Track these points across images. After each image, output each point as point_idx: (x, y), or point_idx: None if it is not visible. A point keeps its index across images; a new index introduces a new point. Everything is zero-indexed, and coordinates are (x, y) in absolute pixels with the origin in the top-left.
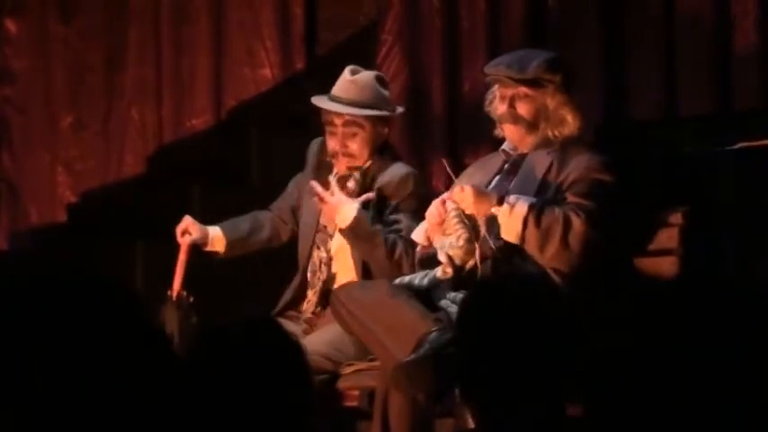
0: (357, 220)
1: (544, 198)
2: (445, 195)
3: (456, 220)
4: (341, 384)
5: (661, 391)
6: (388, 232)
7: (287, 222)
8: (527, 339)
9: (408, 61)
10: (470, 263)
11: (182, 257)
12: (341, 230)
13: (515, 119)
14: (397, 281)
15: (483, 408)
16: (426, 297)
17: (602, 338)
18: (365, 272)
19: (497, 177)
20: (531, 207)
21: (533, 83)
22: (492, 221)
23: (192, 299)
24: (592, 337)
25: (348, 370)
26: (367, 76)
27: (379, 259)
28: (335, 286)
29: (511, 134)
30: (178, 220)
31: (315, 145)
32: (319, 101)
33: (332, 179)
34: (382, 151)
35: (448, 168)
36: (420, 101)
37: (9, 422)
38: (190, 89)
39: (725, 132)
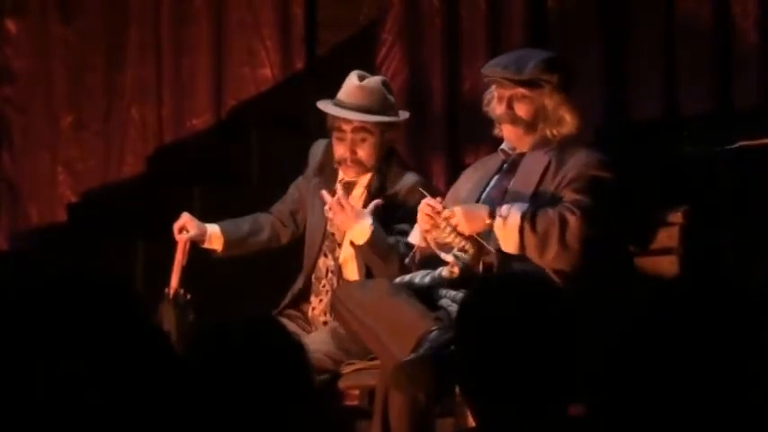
0: (374, 236)
1: (536, 202)
2: (429, 201)
3: (453, 234)
4: (341, 383)
5: (661, 391)
6: (396, 242)
7: (286, 225)
8: (527, 338)
9: (408, 61)
10: (477, 267)
11: (179, 255)
12: (355, 246)
13: (514, 120)
14: (398, 279)
15: (483, 407)
16: (427, 296)
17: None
18: (368, 277)
19: (496, 177)
20: (523, 215)
21: (531, 83)
22: (485, 234)
23: (189, 296)
24: (592, 336)
25: (348, 369)
26: (375, 81)
27: (391, 274)
28: None
29: (509, 134)
30: (178, 219)
31: (317, 147)
32: (327, 106)
33: (338, 187)
34: (388, 158)
35: (424, 192)
36: (420, 101)
37: (10, 421)
38: (190, 89)
39: (725, 132)
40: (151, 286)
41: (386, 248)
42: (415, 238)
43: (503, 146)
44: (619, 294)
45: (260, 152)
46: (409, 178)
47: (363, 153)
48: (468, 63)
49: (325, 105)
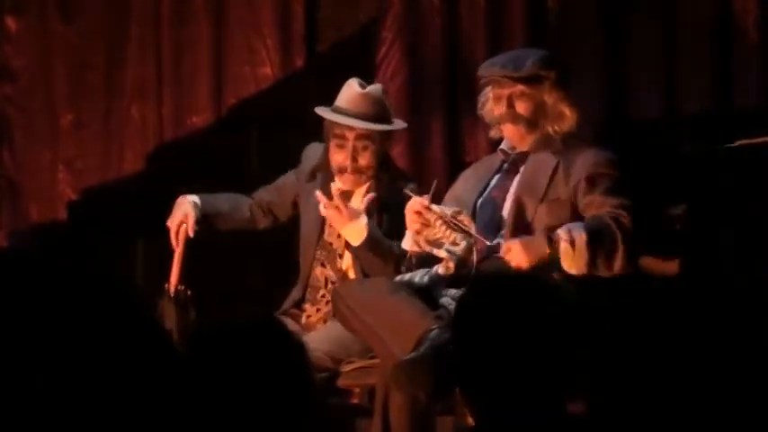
0: (370, 236)
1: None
2: (416, 199)
3: (444, 227)
4: (341, 382)
5: (662, 389)
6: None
7: (265, 214)
8: (525, 336)
9: (408, 60)
10: (471, 259)
11: (178, 251)
12: (352, 248)
13: (515, 118)
14: (398, 278)
15: (482, 406)
16: (427, 295)
17: (603, 336)
18: None
19: (497, 177)
20: (589, 233)
21: (530, 80)
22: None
23: (189, 293)
24: (593, 334)
25: (348, 367)
26: (376, 89)
27: (389, 274)
28: None
29: (511, 134)
30: (174, 211)
31: (311, 151)
32: (328, 113)
33: (334, 191)
34: (383, 165)
35: (410, 193)
36: (420, 100)
37: (9, 420)
38: (190, 87)
39: (725, 131)
40: (151, 284)
41: (383, 248)
42: (407, 243)
43: (502, 145)
44: (620, 294)
45: (260, 150)
46: (402, 179)
47: (364, 161)
48: (468, 62)
49: (325, 112)
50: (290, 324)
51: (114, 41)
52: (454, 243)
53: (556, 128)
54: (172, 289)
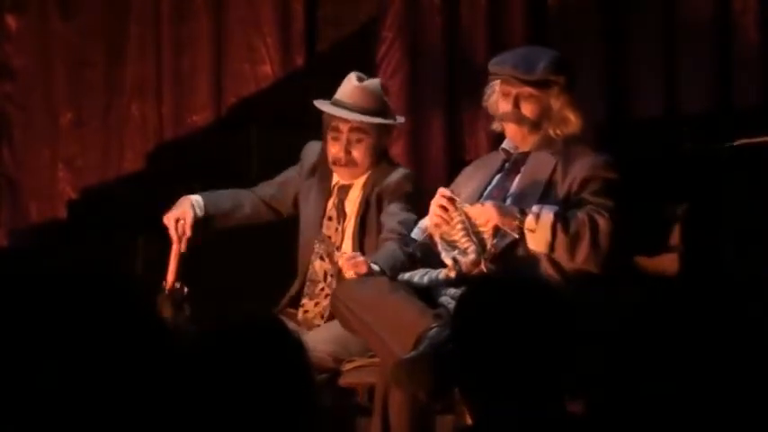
0: (389, 271)
1: (553, 201)
2: (445, 192)
3: (463, 233)
4: (341, 381)
5: (661, 389)
6: (389, 230)
7: (268, 209)
8: (524, 336)
9: (408, 59)
10: (475, 272)
11: (175, 248)
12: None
13: (519, 119)
14: (397, 278)
15: (482, 404)
16: (426, 294)
17: (603, 336)
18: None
19: (498, 176)
20: (557, 214)
21: (540, 83)
22: (497, 232)
23: (186, 290)
24: (592, 334)
25: (348, 366)
26: (374, 83)
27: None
28: None
29: (513, 134)
30: (172, 209)
31: (310, 149)
32: (325, 106)
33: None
34: (380, 161)
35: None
36: (420, 98)
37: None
38: (190, 86)
39: (725, 130)
40: (151, 282)
41: (397, 268)
42: (417, 234)
43: (504, 145)
44: (619, 292)
45: (260, 149)
46: (398, 171)
47: (358, 153)
48: (469, 60)
49: (322, 105)
50: (289, 324)
51: (114, 39)
52: (465, 252)
53: (558, 131)
54: (168, 286)
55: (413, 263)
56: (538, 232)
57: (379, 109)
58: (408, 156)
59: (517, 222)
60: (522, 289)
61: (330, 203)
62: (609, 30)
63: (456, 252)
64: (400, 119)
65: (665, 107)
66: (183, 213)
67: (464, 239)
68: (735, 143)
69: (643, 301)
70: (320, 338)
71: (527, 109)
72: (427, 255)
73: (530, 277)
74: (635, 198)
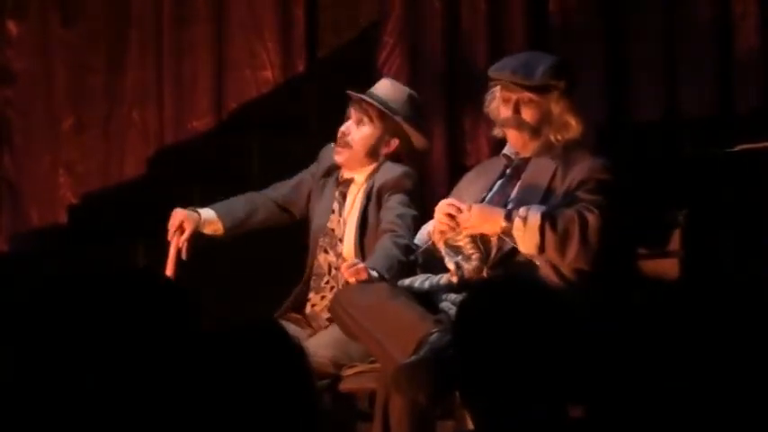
0: (388, 274)
1: (552, 204)
2: (453, 201)
3: (469, 239)
4: (342, 386)
5: (662, 392)
6: (387, 223)
7: (281, 211)
8: (525, 341)
9: (409, 64)
10: (476, 278)
11: (173, 252)
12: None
13: (519, 124)
14: (398, 283)
15: (482, 409)
16: (426, 299)
17: (604, 340)
18: None
19: (499, 182)
20: (543, 215)
21: (539, 89)
22: (503, 240)
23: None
24: (593, 338)
25: (349, 372)
26: (405, 88)
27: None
28: None
29: (514, 139)
30: (172, 217)
31: (327, 151)
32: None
33: (337, 194)
34: (380, 158)
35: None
36: (421, 103)
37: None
38: (191, 91)
39: (725, 134)
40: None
41: (396, 269)
42: (420, 239)
43: (505, 150)
44: (620, 296)
45: (260, 154)
46: (400, 168)
47: (355, 136)
48: (470, 65)
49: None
50: (291, 329)
51: (115, 45)
52: (468, 258)
53: (558, 136)
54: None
55: (413, 266)
56: (526, 235)
57: (398, 108)
58: (409, 160)
59: (502, 228)
60: (523, 294)
61: (335, 196)
62: (609, 32)
63: (460, 257)
64: (420, 138)
65: (665, 110)
66: (181, 220)
67: (469, 246)
68: (735, 147)
69: (643, 306)
70: (321, 344)
71: (527, 114)
72: (429, 261)
73: (530, 282)
74: (635, 202)
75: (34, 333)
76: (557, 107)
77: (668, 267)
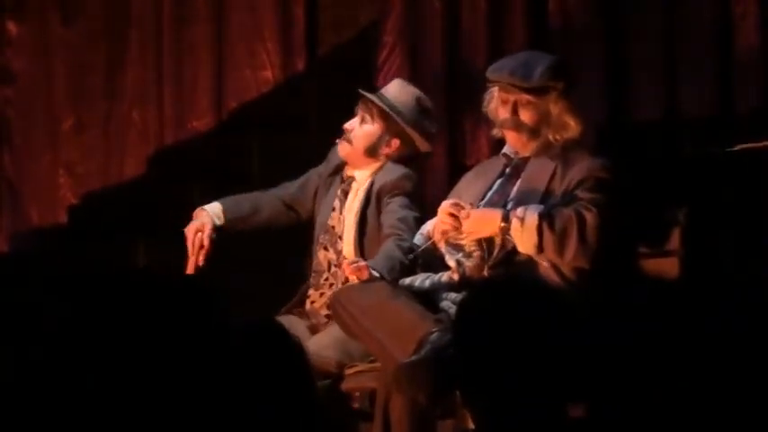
0: (388, 273)
1: (549, 203)
2: (456, 200)
3: (471, 238)
4: (342, 386)
5: (662, 391)
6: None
7: (288, 210)
8: (525, 341)
9: (409, 63)
10: (477, 276)
11: (192, 260)
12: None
13: (518, 125)
14: (399, 282)
15: (483, 408)
16: (427, 298)
17: (604, 339)
18: None
19: (499, 182)
20: (541, 215)
21: (538, 90)
22: (506, 238)
23: None
24: (594, 337)
25: (349, 371)
26: (415, 90)
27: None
28: None
29: (513, 140)
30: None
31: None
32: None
33: (339, 192)
34: (380, 158)
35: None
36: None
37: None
38: (191, 91)
39: (725, 133)
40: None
41: (396, 268)
42: (419, 239)
43: (505, 150)
44: (620, 296)
45: (261, 154)
46: (399, 170)
47: (356, 134)
48: (470, 65)
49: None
50: (293, 322)
51: (115, 45)
52: (470, 255)
53: (557, 136)
54: None
55: (413, 266)
56: (524, 235)
57: (402, 110)
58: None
59: (500, 228)
60: (523, 294)
61: (337, 194)
62: (609, 32)
63: (461, 255)
64: (422, 141)
65: (665, 110)
66: (202, 225)
67: (471, 243)
68: (735, 147)
69: (643, 305)
70: (322, 343)
71: (525, 116)
72: (429, 261)
73: (530, 282)
74: (635, 201)
75: (37, 333)
76: (555, 108)
77: (668, 266)
